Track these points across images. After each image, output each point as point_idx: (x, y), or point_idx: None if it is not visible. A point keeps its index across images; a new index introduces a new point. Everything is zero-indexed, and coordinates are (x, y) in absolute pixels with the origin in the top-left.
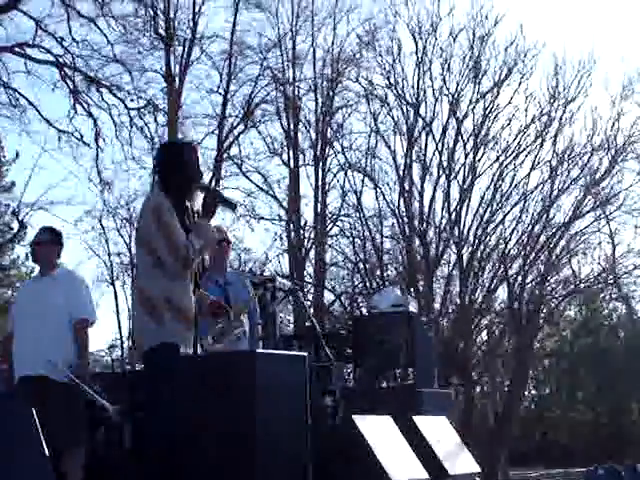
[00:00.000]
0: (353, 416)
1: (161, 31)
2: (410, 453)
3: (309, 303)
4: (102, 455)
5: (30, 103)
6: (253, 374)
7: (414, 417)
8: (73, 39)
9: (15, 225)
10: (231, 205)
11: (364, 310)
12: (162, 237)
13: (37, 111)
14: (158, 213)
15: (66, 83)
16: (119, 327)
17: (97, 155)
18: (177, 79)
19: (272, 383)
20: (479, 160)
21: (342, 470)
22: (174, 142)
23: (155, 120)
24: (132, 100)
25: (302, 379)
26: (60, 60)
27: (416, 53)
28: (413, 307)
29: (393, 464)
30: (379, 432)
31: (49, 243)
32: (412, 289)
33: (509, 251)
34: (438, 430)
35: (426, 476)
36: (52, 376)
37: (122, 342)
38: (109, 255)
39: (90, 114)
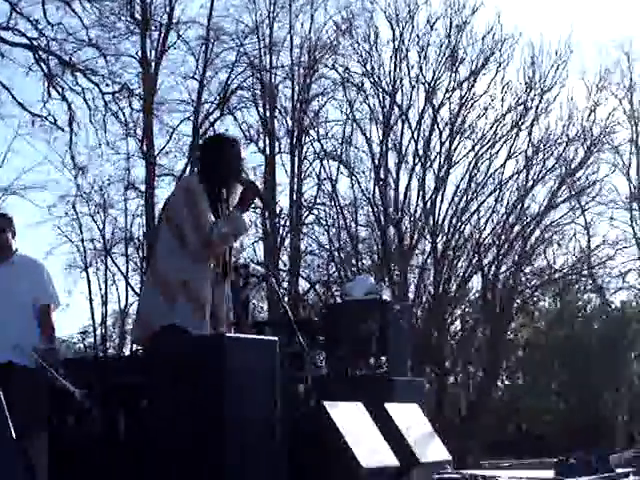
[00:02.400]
0: (324, 402)
1: (137, 15)
2: (381, 440)
3: (283, 291)
4: (71, 440)
5: (4, 86)
6: (222, 358)
7: (386, 404)
8: (48, 22)
9: None
10: (266, 202)
11: (338, 299)
12: (189, 216)
13: (11, 94)
14: (189, 193)
15: (40, 67)
16: (92, 313)
17: (71, 140)
18: (153, 64)
19: (242, 367)
20: (455, 149)
21: (313, 456)
22: (216, 136)
23: (130, 105)
24: (107, 85)
25: (273, 364)
26: (35, 43)
27: (393, 41)
28: (387, 295)
29: (364, 451)
30: (350, 418)
31: (6, 228)
32: (386, 278)
33: (484, 240)
34: (410, 417)
35: (397, 463)
36: (18, 361)
37: (95, 329)
38: (82, 241)
39: (64, 98)
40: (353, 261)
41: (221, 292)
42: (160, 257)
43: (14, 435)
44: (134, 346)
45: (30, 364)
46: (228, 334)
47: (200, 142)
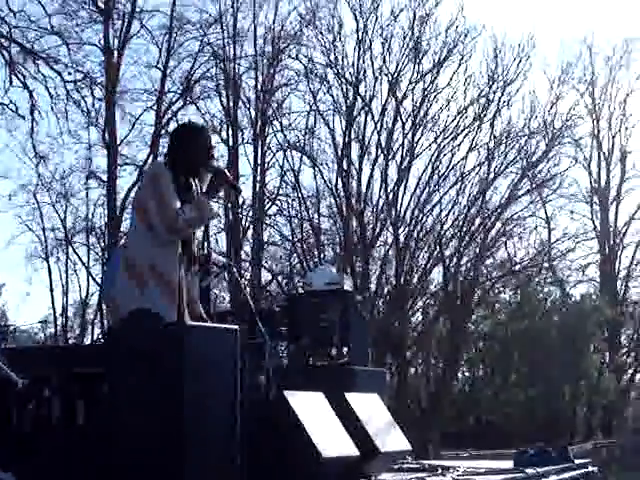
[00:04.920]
0: (284, 392)
1: (100, 4)
2: (341, 429)
3: (245, 282)
4: (27, 430)
5: None
6: (181, 347)
7: (346, 394)
8: (10, 9)
9: None
10: (236, 188)
11: (300, 290)
12: (154, 201)
13: None
14: (156, 179)
15: (2, 54)
16: (52, 303)
17: (32, 128)
18: (115, 53)
19: (201, 356)
20: (417, 141)
21: (272, 446)
22: (186, 124)
23: (92, 94)
24: (69, 73)
25: (233, 352)
26: None
27: (357, 32)
28: (348, 285)
29: (324, 440)
30: (310, 408)
31: None
32: (349, 269)
33: (445, 232)
34: (370, 407)
35: (357, 452)
36: None
37: (55, 318)
38: (43, 230)
39: (26, 86)
40: (315, 252)
41: (192, 279)
42: (130, 242)
43: None
44: (95, 335)
45: None
46: (188, 322)
47: (171, 129)
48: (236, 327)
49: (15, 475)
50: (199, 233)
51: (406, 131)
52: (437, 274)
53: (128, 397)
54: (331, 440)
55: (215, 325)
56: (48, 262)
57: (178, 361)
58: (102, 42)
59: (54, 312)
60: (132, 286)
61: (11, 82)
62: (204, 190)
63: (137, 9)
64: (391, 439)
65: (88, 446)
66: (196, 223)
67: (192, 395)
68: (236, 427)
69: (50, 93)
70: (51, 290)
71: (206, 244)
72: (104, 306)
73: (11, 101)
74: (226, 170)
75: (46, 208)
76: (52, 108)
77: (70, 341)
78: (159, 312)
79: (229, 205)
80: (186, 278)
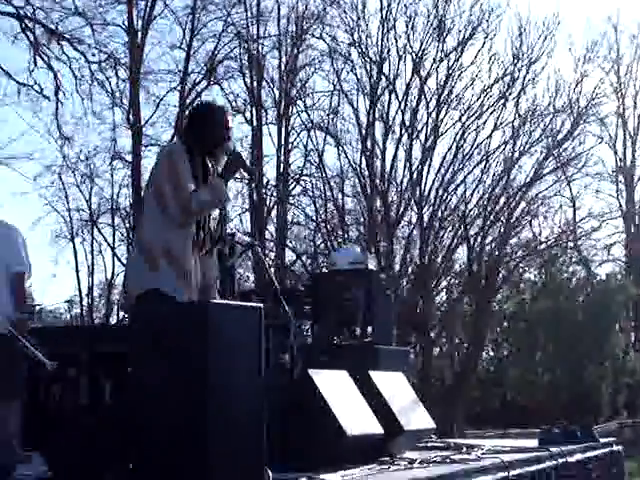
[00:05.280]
0: (309, 370)
1: None
2: (366, 408)
3: (270, 261)
4: (54, 410)
5: None
6: (205, 325)
7: (370, 372)
8: None
9: None
10: (250, 171)
11: (325, 269)
12: (169, 182)
13: None
14: (171, 161)
15: (26, 35)
16: (78, 283)
17: (57, 109)
18: (139, 34)
19: (226, 334)
20: (442, 120)
21: (297, 424)
22: (204, 104)
23: (116, 75)
24: (93, 54)
25: (258, 330)
26: (21, 12)
27: (381, 10)
28: (372, 265)
29: (348, 418)
30: (335, 386)
31: None
32: (373, 249)
33: (470, 212)
34: (394, 386)
35: (381, 431)
36: None
37: (81, 298)
38: (69, 211)
39: (50, 67)
40: (339, 232)
41: (207, 260)
42: (144, 224)
43: None
44: (121, 315)
45: (3, 332)
46: (213, 300)
47: (188, 110)
48: (260, 305)
49: (43, 455)
50: (216, 213)
51: (430, 110)
52: (461, 253)
53: (152, 377)
54: (356, 418)
55: (239, 303)
56: (74, 243)
57: (203, 339)
58: (126, 23)
59: (80, 292)
60: (146, 269)
61: (35, 63)
62: (219, 171)
63: None
64: (416, 417)
65: (113, 426)
66: (210, 206)
67: (216, 373)
68: (261, 406)
69: (74, 74)
70: (77, 271)
71: (231, 223)
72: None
73: (36, 82)
74: (242, 153)
75: (71, 189)
76: (77, 89)
77: (96, 321)
78: (172, 294)
79: (253, 185)
80: (201, 262)
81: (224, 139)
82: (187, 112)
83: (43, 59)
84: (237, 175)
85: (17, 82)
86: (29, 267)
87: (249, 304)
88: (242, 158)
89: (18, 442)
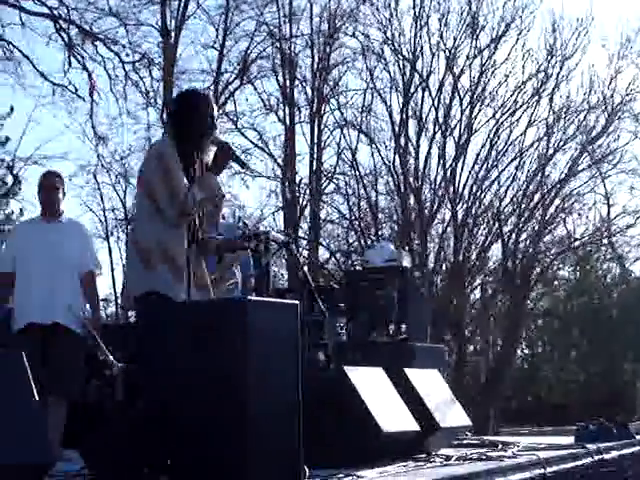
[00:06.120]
0: (344, 367)
1: None
2: (401, 405)
3: (303, 259)
4: (92, 407)
5: (25, 56)
6: (244, 321)
7: (406, 369)
8: None
9: (9, 180)
10: (242, 162)
11: (358, 267)
12: (163, 183)
13: (32, 64)
14: (162, 159)
15: (61, 36)
16: (113, 282)
17: (92, 109)
18: (173, 33)
19: (264, 331)
20: (475, 117)
21: (333, 421)
22: (190, 91)
23: (150, 75)
24: (127, 54)
25: (295, 327)
26: (55, 12)
27: (413, 8)
28: (407, 262)
29: (384, 415)
30: (370, 383)
31: (61, 188)
32: (406, 247)
33: (504, 209)
34: (430, 383)
35: (417, 428)
36: (67, 324)
37: (116, 297)
38: (104, 211)
39: (85, 67)
40: (372, 230)
41: (201, 259)
42: (138, 224)
43: (37, 397)
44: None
45: (76, 328)
46: (250, 297)
47: (174, 97)
48: (297, 302)
49: (80, 452)
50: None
51: (464, 107)
52: (496, 251)
53: (190, 372)
54: (391, 415)
55: (277, 300)
56: (109, 242)
57: (242, 335)
58: (159, 23)
59: (115, 291)
60: (142, 269)
61: (70, 64)
62: (208, 164)
63: None
64: (451, 414)
65: (150, 422)
66: (206, 204)
67: (255, 369)
68: (298, 402)
69: (109, 74)
70: (112, 270)
71: (264, 222)
72: None
73: (71, 82)
74: (231, 143)
75: (106, 189)
76: (111, 89)
77: (131, 319)
78: (169, 294)
79: (286, 183)
80: (196, 260)
81: (210, 128)
82: (172, 101)
83: (78, 60)
84: (228, 166)
85: (52, 83)
86: (101, 266)
87: (286, 301)
88: (230, 148)
89: (58, 440)
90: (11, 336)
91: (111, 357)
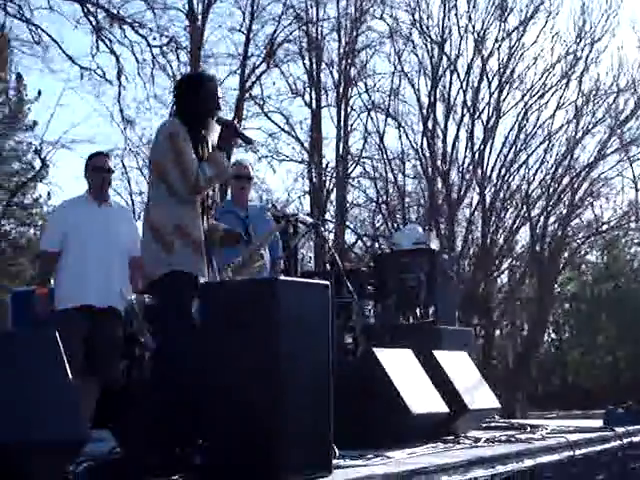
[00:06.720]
0: (373, 348)
1: None
2: (430, 386)
3: (331, 242)
4: (124, 387)
5: (53, 40)
6: (275, 301)
7: (434, 352)
8: None
9: (37, 164)
10: (247, 140)
11: (386, 250)
12: (174, 162)
13: (60, 48)
14: (173, 138)
15: (89, 20)
16: None
17: (119, 93)
18: (199, 17)
19: (295, 311)
20: (504, 99)
21: (362, 402)
22: (193, 74)
23: (177, 58)
24: (154, 38)
25: (325, 307)
26: None
27: None
28: (435, 245)
29: (413, 396)
30: (399, 365)
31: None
32: (434, 230)
33: (532, 192)
34: (458, 365)
35: (446, 410)
36: (119, 308)
37: None
38: (131, 195)
39: (112, 51)
40: (400, 214)
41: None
42: (151, 204)
43: (70, 377)
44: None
45: (123, 312)
46: (281, 277)
47: (177, 81)
48: (327, 283)
49: (112, 432)
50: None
51: (492, 90)
52: (524, 234)
53: (223, 351)
54: (420, 396)
55: (308, 280)
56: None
57: (273, 314)
58: (186, 7)
59: None
60: (159, 249)
61: (98, 48)
62: (215, 143)
63: None
64: (480, 397)
65: (181, 402)
66: (215, 181)
67: (287, 349)
68: (329, 383)
69: (136, 58)
70: None
71: (292, 205)
72: None
73: (98, 66)
74: (235, 122)
75: (133, 172)
76: (139, 73)
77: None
78: (190, 271)
79: (313, 167)
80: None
81: (215, 108)
82: (176, 83)
83: (105, 43)
84: (233, 144)
85: (80, 66)
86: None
87: (317, 281)
88: (235, 126)
89: (89, 419)
90: (55, 313)
91: (150, 341)
